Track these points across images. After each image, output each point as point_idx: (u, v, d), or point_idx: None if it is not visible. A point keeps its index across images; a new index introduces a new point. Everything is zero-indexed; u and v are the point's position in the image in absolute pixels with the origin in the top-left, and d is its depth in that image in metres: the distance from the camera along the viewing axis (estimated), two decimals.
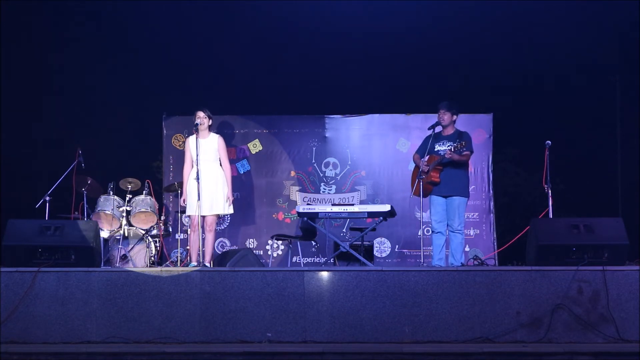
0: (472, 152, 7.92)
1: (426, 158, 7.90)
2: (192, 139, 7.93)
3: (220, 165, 7.95)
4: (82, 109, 11.33)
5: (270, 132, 10.27)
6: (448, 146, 7.77)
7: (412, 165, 9.84)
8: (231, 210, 8.05)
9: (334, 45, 11.14)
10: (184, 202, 7.91)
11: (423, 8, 10.65)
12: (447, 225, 7.88)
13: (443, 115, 7.96)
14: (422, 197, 7.86)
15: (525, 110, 11.61)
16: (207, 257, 7.77)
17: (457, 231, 7.77)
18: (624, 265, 6.56)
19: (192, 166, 7.88)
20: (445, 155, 7.67)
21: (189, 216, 7.99)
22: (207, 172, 7.75)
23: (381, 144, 10.21)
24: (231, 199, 7.96)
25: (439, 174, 7.79)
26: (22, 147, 10.99)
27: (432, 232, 7.93)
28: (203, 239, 7.75)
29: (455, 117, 8.02)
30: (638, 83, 10.68)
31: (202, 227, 7.74)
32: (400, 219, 9.49)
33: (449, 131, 8.00)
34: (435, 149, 7.90)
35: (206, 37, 11.24)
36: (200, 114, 7.87)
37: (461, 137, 7.80)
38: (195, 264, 7.63)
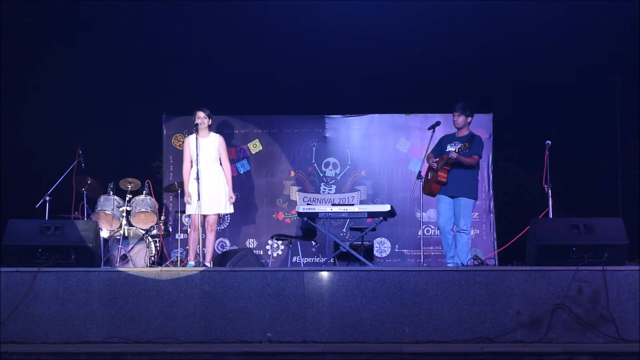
0: (480, 156, 7.91)
1: (438, 158, 7.96)
2: (191, 139, 7.94)
3: (221, 164, 7.96)
4: (82, 109, 11.34)
5: (270, 132, 10.26)
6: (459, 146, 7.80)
7: (412, 166, 9.90)
8: (231, 210, 8.06)
9: (334, 45, 11.15)
10: (188, 199, 7.81)
11: (423, 8, 10.65)
12: (454, 224, 7.91)
13: (457, 117, 7.96)
14: (430, 196, 7.94)
15: (525, 110, 11.61)
16: (208, 257, 7.78)
17: (462, 231, 7.79)
18: (624, 265, 6.56)
19: (192, 165, 7.89)
20: (450, 156, 7.69)
21: (189, 216, 8.00)
22: (208, 172, 7.76)
23: (381, 144, 10.21)
24: (233, 197, 7.96)
25: (446, 174, 7.80)
26: (22, 147, 10.99)
27: (440, 231, 7.99)
28: (204, 239, 7.76)
29: (469, 118, 8.01)
30: (638, 83, 10.69)
31: (203, 226, 7.74)
32: (400, 219, 9.49)
33: (464, 132, 8.01)
34: (447, 150, 7.92)
35: (206, 37, 11.24)
36: (200, 114, 7.88)
37: (472, 140, 7.79)
38: (194, 263, 7.64)
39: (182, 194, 8.06)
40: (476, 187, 8.02)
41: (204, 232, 7.77)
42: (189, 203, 7.83)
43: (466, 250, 7.80)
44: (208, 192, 7.71)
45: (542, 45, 11.11)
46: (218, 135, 8.04)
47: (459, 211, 7.80)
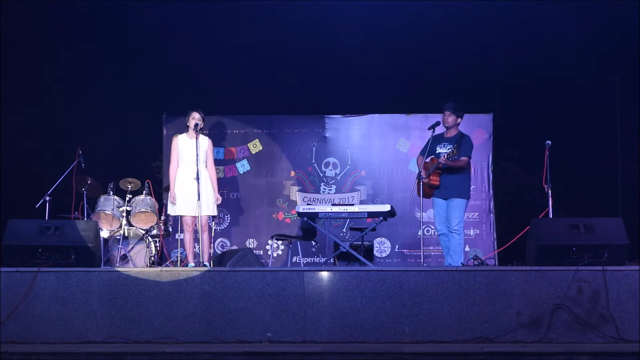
0: (469, 157, 7.89)
1: (428, 159, 7.92)
2: (182, 139, 7.90)
3: (206, 166, 7.91)
4: (82, 109, 11.35)
5: (270, 132, 10.26)
6: (448, 149, 7.76)
7: (412, 166, 9.88)
8: (216, 212, 8.02)
9: (334, 45, 11.16)
10: (173, 200, 7.82)
11: (423, 8, 10.67)
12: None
13: (448, 117, 7.93)
14: (425, 198, 7.92)
15: (525, 110, 11.63)
16: (206, 257, 7.77)
17: (454, 231, 7.77)
18: (624, 265, 6.56)
19: (179, 165, 7.85)
20: (440, 161, 7.67)
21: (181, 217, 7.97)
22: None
23: (381, 144, 10.20)
24: (219, 199, 7.94)
25: (438, 178, 7.79)
26: (22, 147, 11.00)
27: (438, 234, 7.99)
28: (198, 240, 7.73)
29: (459, 119, 8.00)
30: (638, 83, 10.70)
31: (195, 227, 7.72)
32: (400, 219, 9.49)
33: (452, 133, 7.98)
34: (437, 151, 7.89)
35: (206, 38, 11.26)
36: (196, 114, 7.85)
37: (460, 142, 7.77)
38: (194, 264, 7.63)
39: (171, 194, 7.99)
40: (468, 187, 8.00)
41: (197, 233, 7.73)
42: (174, 204, 7.79)
43: (459, 250, 7.79)
44: (201, 193, 7.66)
45: (542, 45, 11.12)
46: (207, 137, 8.02)
47: (451, 211, 7.80)
